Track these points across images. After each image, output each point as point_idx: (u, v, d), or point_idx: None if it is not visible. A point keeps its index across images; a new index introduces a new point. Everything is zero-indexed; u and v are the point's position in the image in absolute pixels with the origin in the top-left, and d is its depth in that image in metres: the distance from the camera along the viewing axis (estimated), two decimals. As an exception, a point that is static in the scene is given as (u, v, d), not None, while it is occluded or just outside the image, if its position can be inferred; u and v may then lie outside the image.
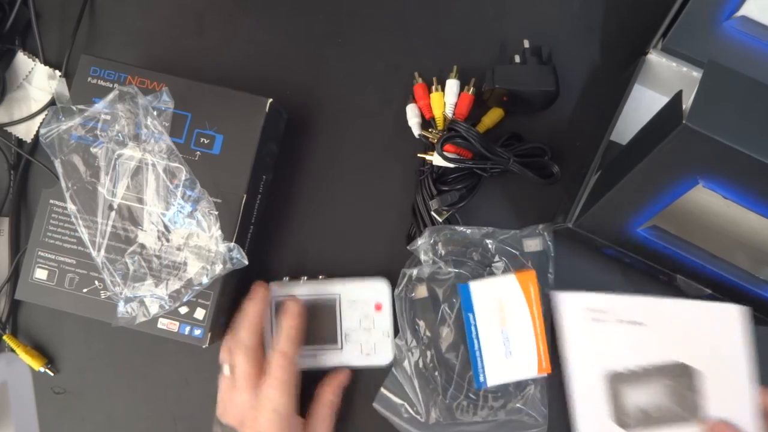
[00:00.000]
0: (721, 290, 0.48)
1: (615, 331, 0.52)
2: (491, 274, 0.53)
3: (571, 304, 0.53)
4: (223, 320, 0.53)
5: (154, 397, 0.57)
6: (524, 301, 0.52)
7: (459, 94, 0.55)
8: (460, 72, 0.56)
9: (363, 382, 0.56)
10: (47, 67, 0.59)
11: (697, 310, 0.51)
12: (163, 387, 0.57)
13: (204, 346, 0.50)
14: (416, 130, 0.56)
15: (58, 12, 0.60)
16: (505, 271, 0.53)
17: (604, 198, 0.44)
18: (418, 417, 0.53)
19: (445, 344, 0.53)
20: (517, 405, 0.53)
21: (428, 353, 0.53)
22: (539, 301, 0.52)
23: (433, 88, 0.56)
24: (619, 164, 0.46)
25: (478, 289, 0.52)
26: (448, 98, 0.55)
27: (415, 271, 0.53)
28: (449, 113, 0.55)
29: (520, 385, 0.53)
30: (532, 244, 0.54)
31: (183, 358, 0.57)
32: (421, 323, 0.53)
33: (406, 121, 0.56)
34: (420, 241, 0.53)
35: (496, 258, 0.53)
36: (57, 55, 0.60)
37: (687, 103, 0.37)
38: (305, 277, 0.55)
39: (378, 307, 0.54)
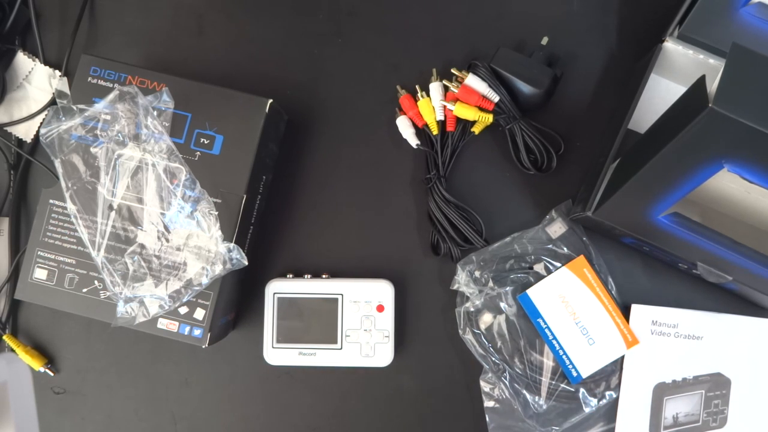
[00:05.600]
0: (743, 277, 0.48)
1: (673, 344, 0.53)
2: (537, 274, 0.53)
3: (640, 316, 0.53)
4: (223, 320, 0.53)
5: (154, 397, 0.57)
6: (585, 287, 0.52)
7: (445, 94, 0.55)
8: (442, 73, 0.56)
9: (363, 383, 0.56)
10: (47, 67, 0.59)
11: (751, 325, 0.53)
12: (163, 387, 0.57)
13: (204, 346, 0.50)
14: (413, 141, 0.56)
15: (58, 12, 0.60)
16: (548, 264, 0.54)
17: (625, 185, 0.44)
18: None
19: (532, 354, 0.54)
20: None
21: (518, 370, 0.53)
22: (600, 283, 0.52)
23: (419, 95, 0.56)
24: (639, 151, 0.46)
25: (537, 293, 0.53)
26: (435, 102, 0.55)
27: (467, 307, 0.54)
28: (441, 117, 0.55)
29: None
30: (556, 229, 0.54)
31: (183, 358, 0.57)
32: (501, 346, 0.53)
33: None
34: (457, 278, 0.54)
35: (532, 257, 0.54)
36: (57, 55, 0.60)
37: (710, 87, 0.37)
38: (309, 275, 0.55)
39: (380, 309, 0.54)
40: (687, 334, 0.53)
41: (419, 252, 0.56)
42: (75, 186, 0.49)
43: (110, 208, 0.49)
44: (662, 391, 0.53)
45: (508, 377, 0.53)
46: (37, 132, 0.58)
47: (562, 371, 0.53)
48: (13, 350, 0.56)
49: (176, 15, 0.59)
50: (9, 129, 0.59)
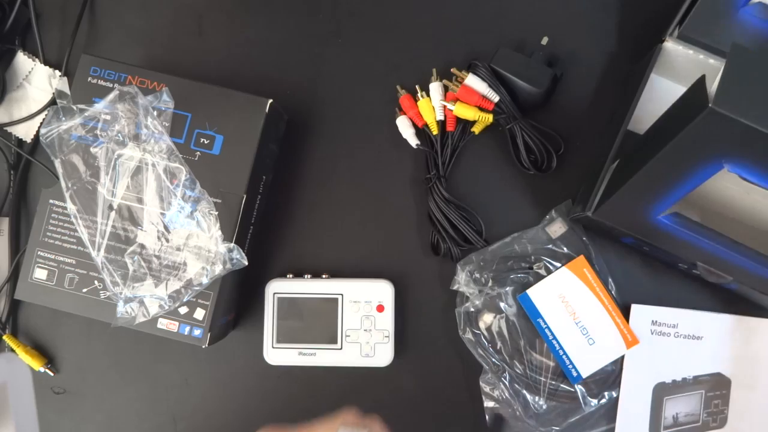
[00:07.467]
0: (743, 277, 0.48)
1: (673, 345, 0.53)
2: (537, 274, 0.54)
3: (640, 316, 0.53)
4: (223, 320, 0.53)
5: (154, 397, 0.57)
6: (585, 287, 0.52)
7: (445, 94, 0.55)
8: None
9: (363, 383, 0.56)
10: (47, 67, 0.59)
11: (751, 325, 0.53)
12: (163, 387, 0.57)
13: (204, 346, 0.50)
14: (413, 141, 0.56)
15: (58, 12, 0.60)
16: (548, 264, 0.54)
17: (625, 185, 0.44)
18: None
19: (531, 354, 0.54)
20: None
21: (518, 370, 0.53)
22: (600, 283, 0.52)
23: (419, 96, 0.56)
24: (639, 151, 0.46)
25: (537, 293, 0.53)
26: (435, 102, 0.55)
27: (467, 307, 0.54)
28: (441, 117, 0.55)
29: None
30: (556, 229, 0.54)
31: (183, 358, 0.57)
32: (501, 346, 0.53)
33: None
34: (457, 278, 0.54)
35: (532, 257, 0.54)
36: (57, 55, 0.60)
37: (710, 87, 0.37)
38: (308, 275, 0.55)
39: (380, 309, 0.54)
40: (687, 334, 0.53)
41: (419, 252, 0.56)
42: (75, 186, 0.49)
43: (110, 208, 0.49)
44: (662, 391, 0.53)
45: (508, 377, 0.53)
46: (37, 132, 0.58)
47: (562, 371, 0.53)
48: (13, 350, 0.56)
49: (176, 15, 0.59)
50: (9, 129, 0.59)
